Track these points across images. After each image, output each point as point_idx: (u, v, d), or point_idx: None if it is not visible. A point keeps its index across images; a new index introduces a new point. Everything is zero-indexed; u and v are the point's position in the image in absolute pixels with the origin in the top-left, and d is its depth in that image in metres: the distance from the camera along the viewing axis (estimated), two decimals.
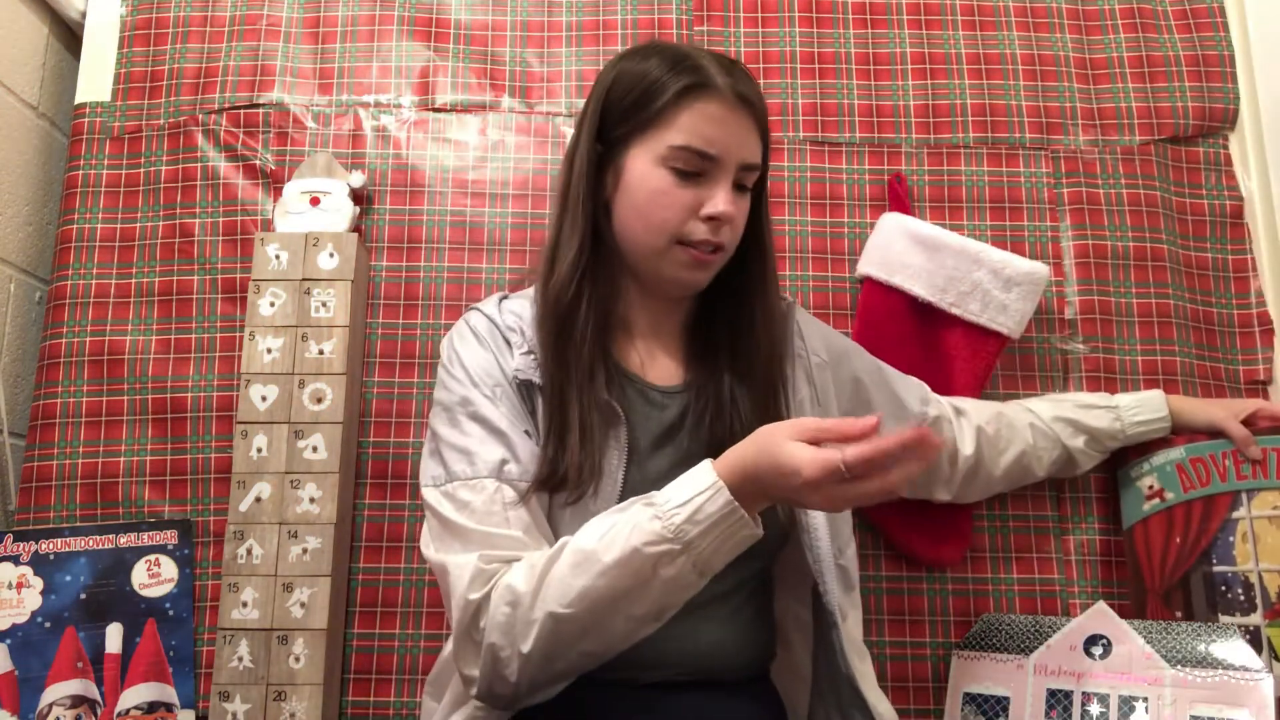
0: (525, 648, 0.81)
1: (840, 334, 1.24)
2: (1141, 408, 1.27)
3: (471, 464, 0.92)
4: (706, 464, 0.83)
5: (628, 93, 0.98)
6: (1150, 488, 1.28)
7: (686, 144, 0.95)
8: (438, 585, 0.94)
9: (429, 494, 0.94)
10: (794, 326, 1.10)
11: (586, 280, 0.98)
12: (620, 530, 0.81)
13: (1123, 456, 1.31)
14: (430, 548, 0.92)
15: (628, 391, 1.00)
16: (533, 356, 0.97)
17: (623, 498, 0.90)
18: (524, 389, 0.97)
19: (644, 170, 0.97)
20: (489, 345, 0.99)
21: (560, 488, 0.92)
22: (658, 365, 1.04)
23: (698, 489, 0.81)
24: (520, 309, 1.03)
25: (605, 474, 0.93)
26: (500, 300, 1.06)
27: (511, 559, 0.86)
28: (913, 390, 1.22)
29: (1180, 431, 1.27)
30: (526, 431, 0.95)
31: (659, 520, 0.80)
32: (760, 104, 0.99)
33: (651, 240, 0.98)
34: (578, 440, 0.92)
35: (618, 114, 0.99)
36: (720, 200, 0.95)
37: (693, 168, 0.95)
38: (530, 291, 1.05)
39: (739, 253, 1.03)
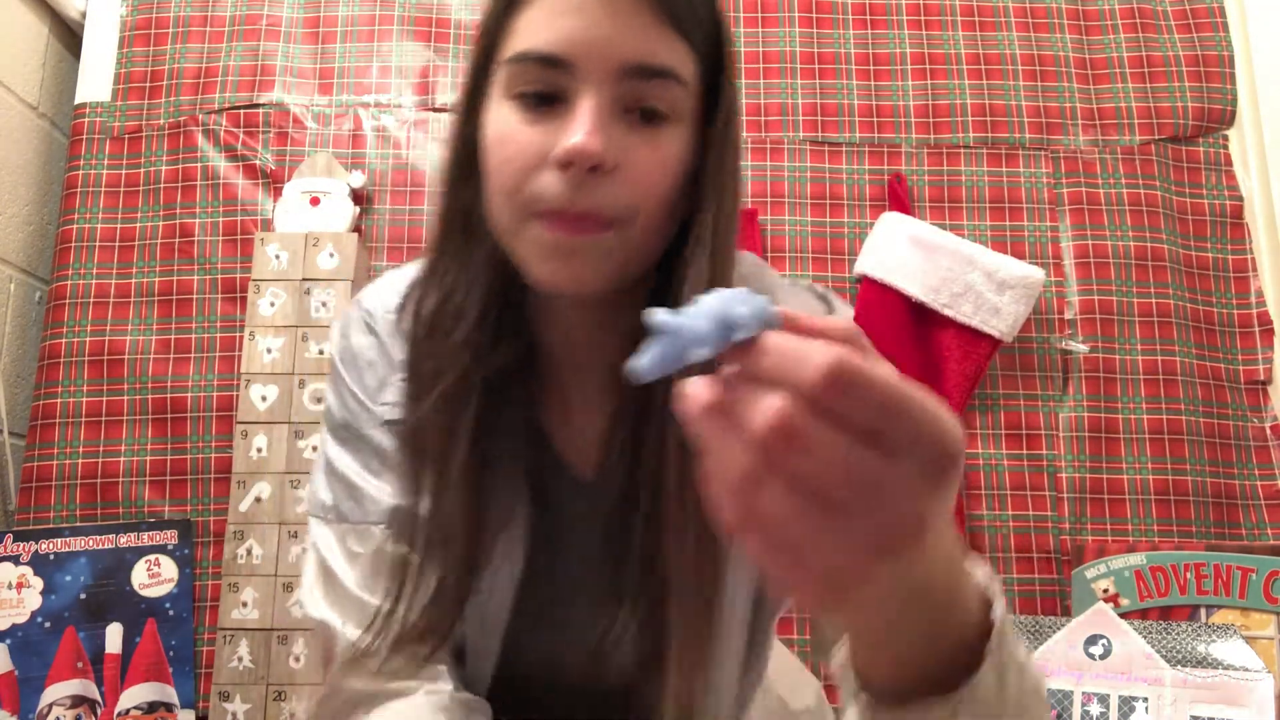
0: None
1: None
2: None
3: (360, 505, 0.69)
4: None
5: (476, 33, 0.66)
6: (1105, 591, 1.25)
7: (521, 51, 0.60)
8: None
9: (315, 527, 0.72)
10: None
11: (459, 289, 0.66)
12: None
13: (1079, 556, 1.30)
14: (312, 597, 0.70)
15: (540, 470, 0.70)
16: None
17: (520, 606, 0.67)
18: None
19: (491, 115, 0.63)
20: (390, 346, 0.72)
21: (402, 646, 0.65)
22: (576, 420, 0.72)
23: None
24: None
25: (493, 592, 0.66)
26: (412, 284, 0.72)
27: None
28: None
29: None
30: None
31: None
32: None
33: (501, 217, 0.62)
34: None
35: (472, 65, 0.66)
36: (575, 129, 0.57)
37: (540, 87, 0.59)
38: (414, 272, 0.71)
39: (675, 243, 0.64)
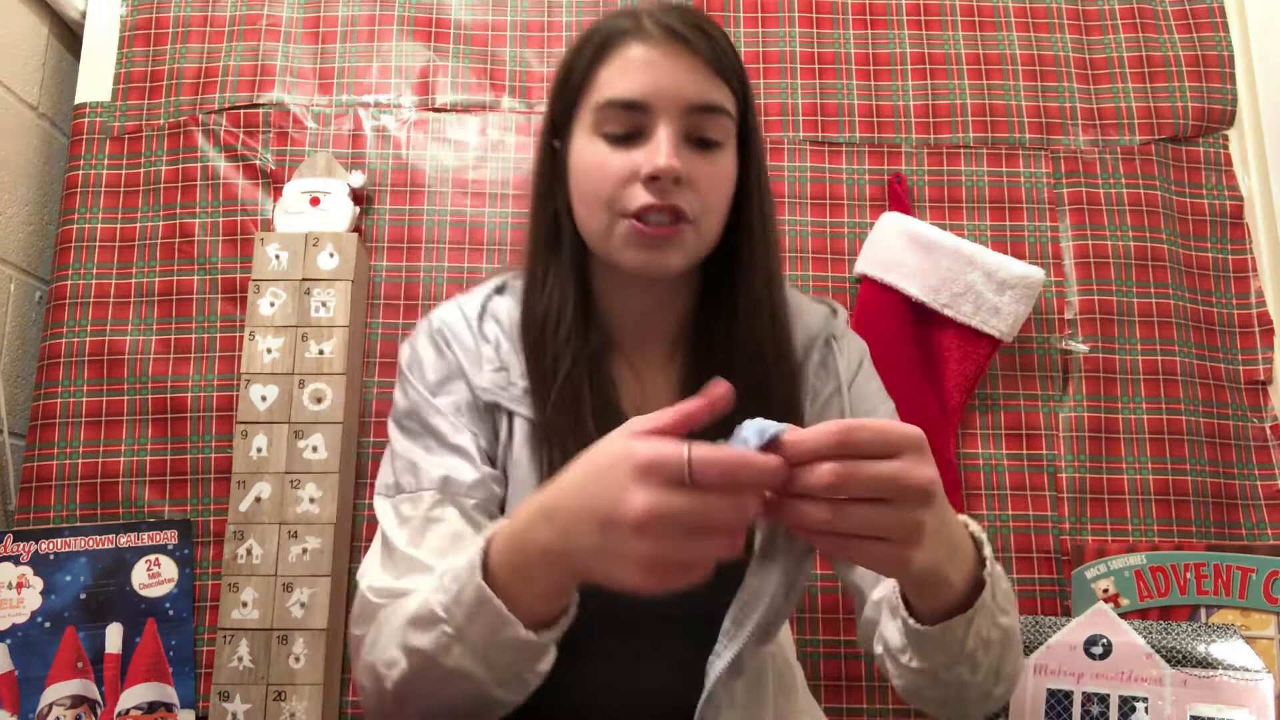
0: (385, 685, 0.71)
1: (878, 381, 0.97)
2: None
3: (416, 477, 0.83)
4: (494, 526, 0.66)
5: (559, 78, 0.88)
6: (1105, 591, 1.26)
7: (609, 99, 0.81)
8: None
9: (378, 503, 0.86)
10: (830, 345, 0.92)
11: (555, 291, 0.86)
12: (418, 593, 0.70)
13: (1079, 556, 1.30)
14: (369, 565, 0.82)
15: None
16: (504, 374, 0.86)
17: None
18: (490, 410, 0.86)
19: (579, 149, 0.84)
20: (454, 352, 0.88)
21: None
22: (649, 388, 0.90)
23: (464, 561, 0.65)
24: (505, 312, 0.90)
25: None
26: (487, 298, 0.93)
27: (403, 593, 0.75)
28: None
29: None
30: (488, 455, 0.86)
31: (439, 592, 0.66)
32: (706, 36, 0.82)
33: (594, 222, 0.83)
34: None
35: (557, 104, 0.88)
36: (657, 152, 0.78)
37: (624, 127, 0.81)
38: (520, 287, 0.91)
39: (728, 231, 0.86)
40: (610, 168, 0.80)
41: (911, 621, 0.69)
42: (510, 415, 0.86)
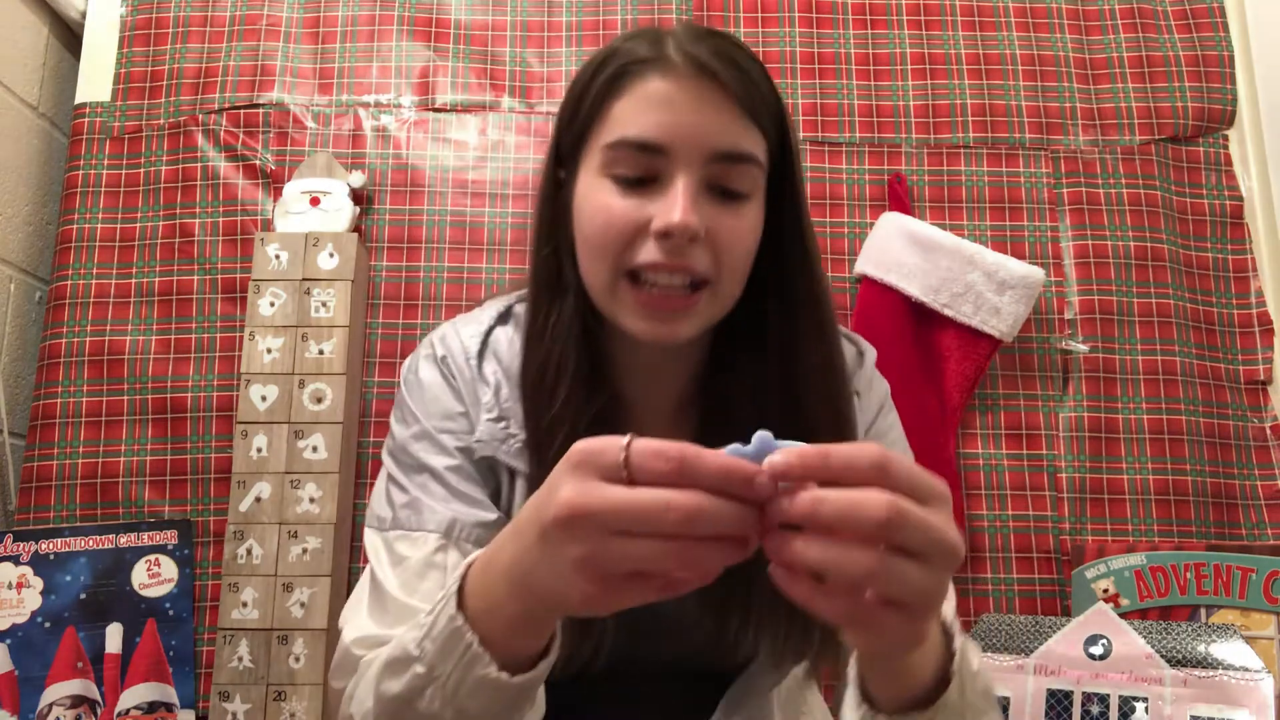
0: None
1: (899, 430, 0.89)
2: None
3: (418, 515, 0.75)
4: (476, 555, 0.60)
5: (568, 102, 0.77)
6: (1105, 591, 1.26)
7: (621, 137, 0.70)
8: None
9: (369, 537, 0.78)
10: (851, 401, 0.81)
11: (557, 345, 0.75)
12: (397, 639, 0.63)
13: (1079, 556, 1.30)
14: (347, 608, 0.75)
15: None
16: (504, 425, 0.77)
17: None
18: (485, 463, 0.78)
19: (586, 189, 0.73)
20: (457, 390, 0.80)
21: None
22: None
23: (442, 592, 0.59)
24: (506, 347, 0.81)
25: None
26: (489, 330, 0.82)
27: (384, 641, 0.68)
28: None
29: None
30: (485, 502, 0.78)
31: (414, 628, 0.60)
32: (738, 70, 0.71)
33: (596, 276, 0.73)
34: None
35: (565, 133, 0.77)
36: (673, 206, 0.68)
37: (637, 170, 0.70)
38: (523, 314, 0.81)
39: (753, 290, 0.75)
40: (618, 216, 0.70)
41: (872, 713, 0.58)
42: (511, 471, 0.78)
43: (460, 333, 0.82)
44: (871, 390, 0.86)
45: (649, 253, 0.69)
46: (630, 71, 0.71)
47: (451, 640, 0.56)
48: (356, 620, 0.72)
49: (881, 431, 0.85)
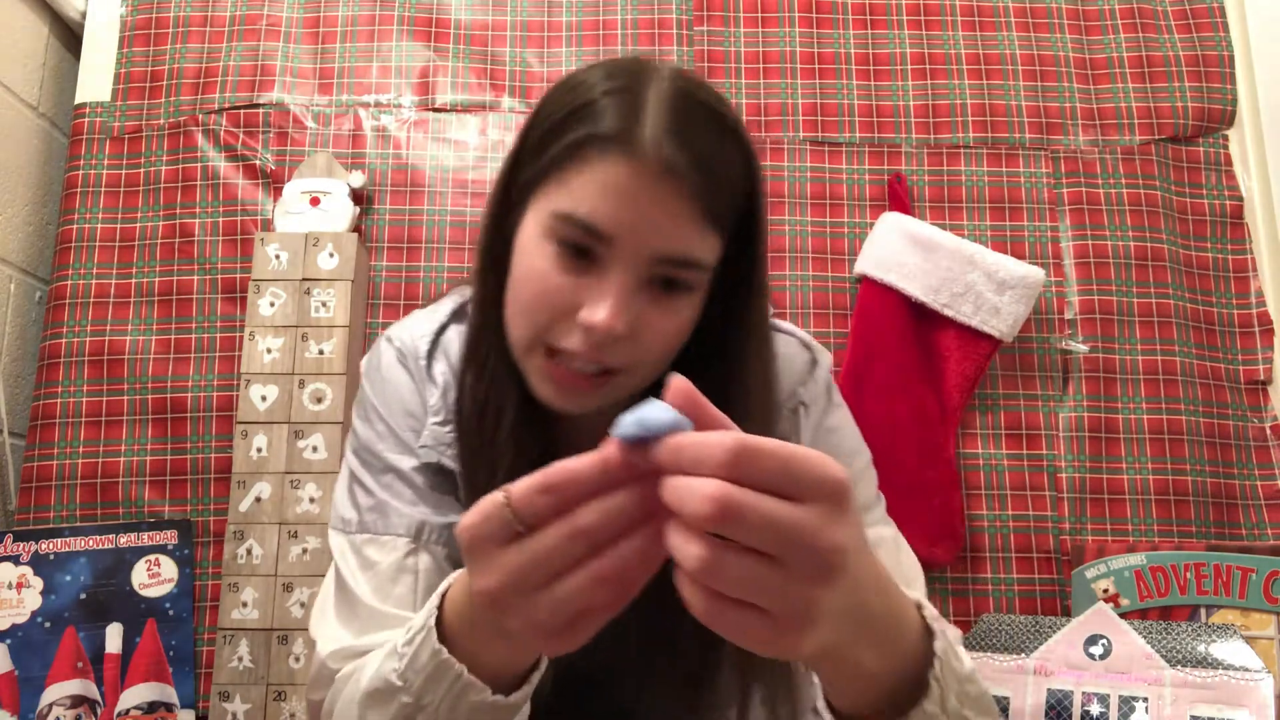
0: None
1: (849, 429, 0.86)
2: None
3: (384, 518, 0.74)
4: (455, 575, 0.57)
5: (534, 133, 0.72)
6: (1105, 591, 1.26)
7: (571, 213, 0.65)
8: None
9: (334, 539, 0.76)
10: (796, 414, 0.81)
11: (496, 385, 0.73)
12: (374, 658, 0.61)
13: (1079, 556, 1.30)
14: (314, 614, 0.74)
15: None
16: (448, 430, 0.75)
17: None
18: (435, 467, 0.75)
19: (527, 241, 0.69)
20: (416, 388, 0.78)
21: None
22: None
23: (419, 619, 0.57)
24: (457, 348, 0.78)
25: None
26: (442, 327, 0.80)
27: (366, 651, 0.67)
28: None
29: None
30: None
31: (393, 657, 0.58)
32: (710, 176, 0.65)
33: (517, 331, 0.70)
34: None
35: (527, 153, 0.72)
36: (601, 305, 0.64)
37: (579, 242, 0.65)
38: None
39: (704, 361, 0.72)
40: (551, 292, 0.66)
41: (828, 716, 0.54)
42: (455, 477, 0.75)
43: (414, 330, 0.81)
44: (818, 399, 0.83)
45: (570, 339, 0.66)
46: (595, 144, 0.65)
47: (438, 672, 0.55)
48: (327, 630, 0.71)
49: (830, 428, 0.82)
